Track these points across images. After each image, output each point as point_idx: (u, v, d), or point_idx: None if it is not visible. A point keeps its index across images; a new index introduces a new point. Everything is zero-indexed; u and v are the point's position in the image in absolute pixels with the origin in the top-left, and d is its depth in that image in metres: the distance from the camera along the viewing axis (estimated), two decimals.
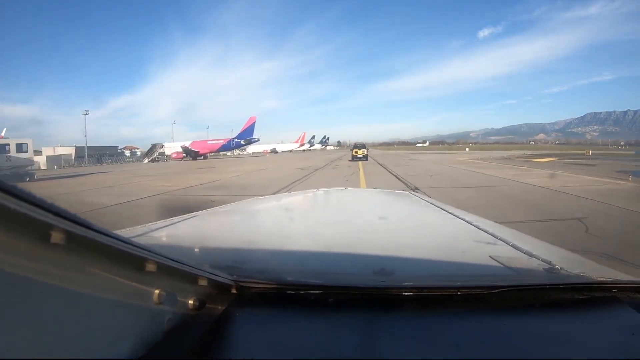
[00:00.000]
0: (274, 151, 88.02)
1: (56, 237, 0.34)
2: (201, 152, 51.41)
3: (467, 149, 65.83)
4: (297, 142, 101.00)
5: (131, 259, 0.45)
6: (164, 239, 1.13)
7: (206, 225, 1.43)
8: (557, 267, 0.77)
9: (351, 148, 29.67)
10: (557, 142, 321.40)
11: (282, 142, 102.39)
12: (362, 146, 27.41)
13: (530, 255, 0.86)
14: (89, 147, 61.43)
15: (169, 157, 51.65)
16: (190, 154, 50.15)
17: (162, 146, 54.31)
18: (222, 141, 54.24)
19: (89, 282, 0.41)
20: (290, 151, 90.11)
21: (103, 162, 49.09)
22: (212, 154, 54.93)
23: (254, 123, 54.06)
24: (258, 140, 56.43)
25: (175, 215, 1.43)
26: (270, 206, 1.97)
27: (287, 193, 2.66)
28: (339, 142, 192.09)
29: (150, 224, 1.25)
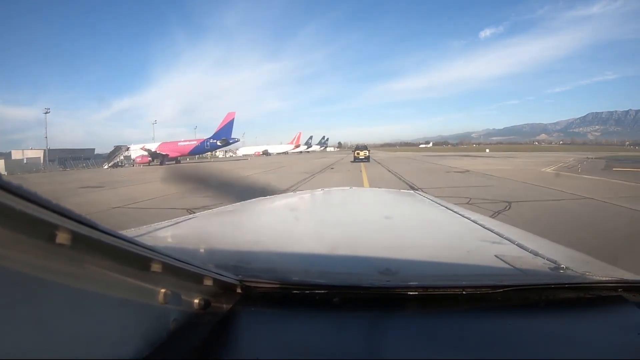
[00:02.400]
0: (265, 153, 79.29)
1: (62, 237, 0.34)
2: (171, 155, 43.02)
3: (487, 150, 56.06)
4: (291, 142, 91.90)
5: (136, 259, 0.45)
6: (169, 239, 1.13)
7: (211, 225, 1.43)
8: (562, 266, 0.76)
9: (352, 149, 29.68)
10: (561, 142, 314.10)
11: (281, 143, 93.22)
12: (363, 147, 27.27)
13: (536, 254, 0.86)
14: (61, 150, 54.64)
15: (134, 161, 43.07)
16: (158, 157, 41.35)
17: (128, 149, 45.51)
18: (194, 142, 45.75)
19: (94, 282, 0.41)
20: (286, 153, 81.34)
21: (67, 167, 43.80)
22: (187, 157, 46.45)
23: (232, 120, 45.25)
24: (238, 140, 47.81)
25: None
26: (275, 206, 1.95)
27: (291, 193, 2.65)
28: (339, 143, 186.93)
29: (155, 224, 1.24)
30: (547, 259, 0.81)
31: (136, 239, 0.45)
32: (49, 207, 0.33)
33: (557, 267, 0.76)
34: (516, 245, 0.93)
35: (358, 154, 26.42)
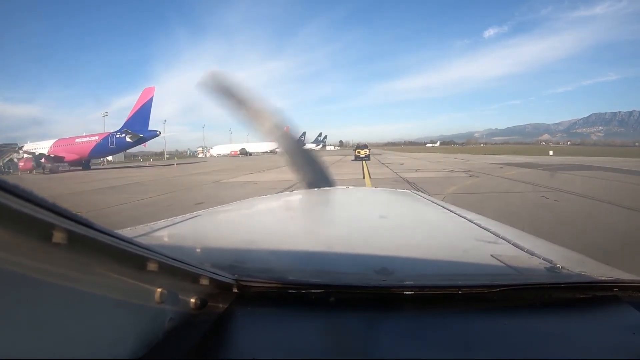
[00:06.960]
0: (243, 152, 64.02)
1: (58, 236, 0.34)
2: (67, 158, 27.40)
3: (550, 152, 40.65)
4: None
5: (133, 258, 0.45)
6: (165, 238, 1.13)
7: (207, 224, 1.43)
8: (558, 266, 0.76)
9: (354, 148, 32.04)
10: (568, 142, 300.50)
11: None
12: (364, 146, 29.42)
13: (532, 254, 0.86)
14: None
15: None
16: (50, 161, 25.77)
17: (21, 148, 30.03)
18: (96, 138, 30.12)
19: (90, 282, 0.41)
20: (274, 152, 65.87)
21: None
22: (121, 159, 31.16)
23: (150, 101, 29.33)
24: (157, 134, 31.65)
25: None
26: (272, 205, 1.95)
27: (288, 192, 2.64)
28: (341, 141, 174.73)
29: (152, 223, 1.26)
30: (543, 259, 0.81)
31: (133, 238, 0.45)
32: (46, 207, 0.33)
33: (553, 267, 0.76)
34: (512, 244, 0.93)
35: (359, 152, 28.84)
